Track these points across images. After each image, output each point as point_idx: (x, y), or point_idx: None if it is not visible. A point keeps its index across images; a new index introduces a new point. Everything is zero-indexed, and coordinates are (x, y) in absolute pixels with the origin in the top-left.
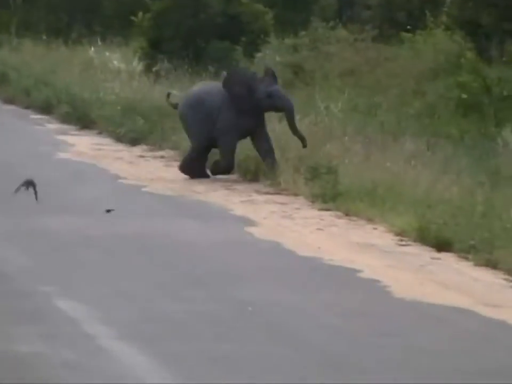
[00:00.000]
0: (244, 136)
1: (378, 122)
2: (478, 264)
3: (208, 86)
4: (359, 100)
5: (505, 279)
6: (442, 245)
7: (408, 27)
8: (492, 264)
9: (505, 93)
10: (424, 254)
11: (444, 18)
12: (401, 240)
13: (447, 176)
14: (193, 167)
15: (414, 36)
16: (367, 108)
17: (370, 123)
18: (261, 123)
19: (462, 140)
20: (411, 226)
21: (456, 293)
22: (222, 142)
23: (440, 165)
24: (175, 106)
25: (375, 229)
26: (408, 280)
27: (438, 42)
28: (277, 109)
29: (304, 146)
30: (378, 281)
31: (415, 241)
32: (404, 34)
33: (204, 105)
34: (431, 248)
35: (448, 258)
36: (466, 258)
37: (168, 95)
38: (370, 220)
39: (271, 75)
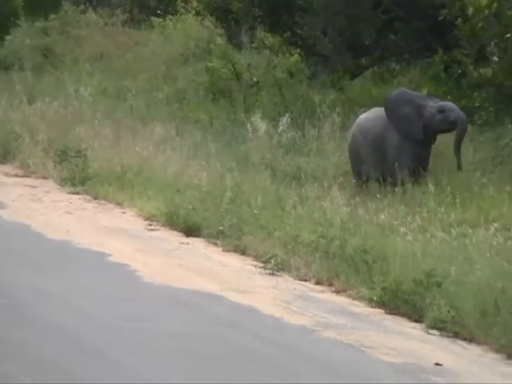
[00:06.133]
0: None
1: (128, 106)
2: (226, 249)
3: (372, 113)
4: (109, 84)
5: (253, 265)
6: (191, 230)
7: (159, 12)
8: (241, 250)
9: (254, 79)
10: (173, 238)
11: (194, 3)
12: (150, 225)
13: (196, 161)
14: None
15: (164, 21)
16: (116, 92)
17: (120, 107)
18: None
19: (211, 125)
20: (160, 211)
21: (204, 278)
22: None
23: (189, 150)
24: None
25: (124, 213)
26: (157, 264)
27: (188, 28)
28: (450, 123)
29: (459, 169)
30: (127, 265)
31: (164, 226)
32: (154, 19)
33: (367, 135)
34: (179, 233)
35: (196, 243)
36: (215, 244)
37: None
38: (119, 204)
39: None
